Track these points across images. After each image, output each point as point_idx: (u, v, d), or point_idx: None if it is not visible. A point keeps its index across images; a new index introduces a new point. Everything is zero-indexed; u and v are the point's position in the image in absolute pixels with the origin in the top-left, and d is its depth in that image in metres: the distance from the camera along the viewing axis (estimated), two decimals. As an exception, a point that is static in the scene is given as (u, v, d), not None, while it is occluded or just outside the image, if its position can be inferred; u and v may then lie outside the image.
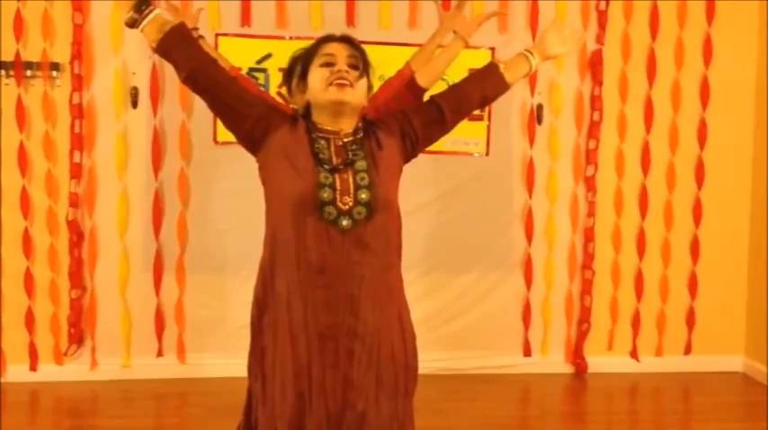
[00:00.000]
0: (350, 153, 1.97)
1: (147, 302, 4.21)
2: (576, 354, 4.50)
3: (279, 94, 2.17)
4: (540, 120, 4.37)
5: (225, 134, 4.08)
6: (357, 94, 1.99)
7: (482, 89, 2.18)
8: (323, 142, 1.97)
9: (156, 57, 4.02)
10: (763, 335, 4.40)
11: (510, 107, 4.36)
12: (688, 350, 4.59)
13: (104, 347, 4.20)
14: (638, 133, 4.46)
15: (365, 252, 1.93)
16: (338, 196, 1.91)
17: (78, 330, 4.16)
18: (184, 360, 4.26)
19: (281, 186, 1.96)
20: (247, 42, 4.13)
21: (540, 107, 4.37)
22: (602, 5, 4.33)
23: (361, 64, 2.02)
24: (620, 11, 4.37)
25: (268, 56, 4.14)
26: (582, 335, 4.49)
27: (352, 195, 1.92)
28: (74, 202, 4.10)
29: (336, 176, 1.93)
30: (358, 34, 4.24)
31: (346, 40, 2.07)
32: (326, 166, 1.93)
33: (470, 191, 4.36)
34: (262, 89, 3.53)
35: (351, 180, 1.93)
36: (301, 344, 1.93)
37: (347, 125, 2.01)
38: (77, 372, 4.17)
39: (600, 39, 4.35)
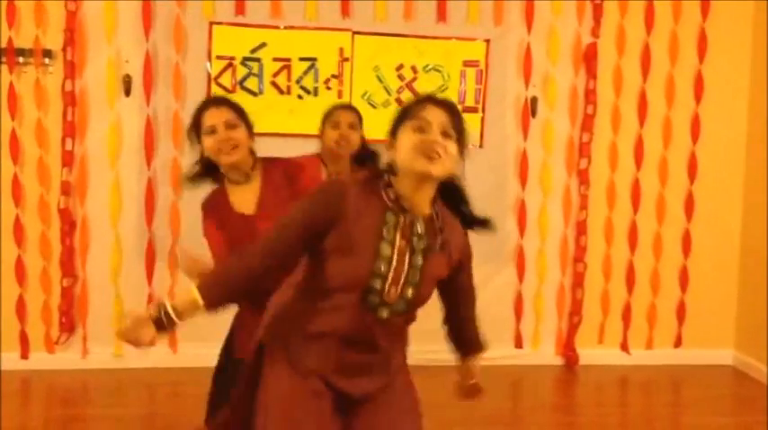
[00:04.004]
0: (415, 238, 1.88)
1: (139, 291, 4.20)
2: (567, 347, 4.52)
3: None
4: (534, 113, 4.38)
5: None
6: (446, 168, 1.88)
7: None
8: (393, 218, 1.87)
9: (150, 45, 4.06)
10: (753, 329, 4.43)
11: (504, 99, 4.36)
12: (678, 343, 4.61)
13: (96, 336, 4.19)
14: (632, 127, 4.47)
15: (388, 332, 1.93)
16: (387, 287, 1.86)
17: (70, 319, 4.16)
18: (176, 349, 4.26)
19: (336, 260, 1.85)
20: (242, 31, 4.11)
21: (534, 100, 4.37)
22: (598, -1, 4.34)
23: (455, 133, 1.89)
24: (615, 5, 4.37)
25: (262, 45, 4.13)
26: (573, 327, 4.50)
27: (399, 288, 1.87)
28: (66, 191, 4.08)
29: (392, 265, 1.86)
30: (352, 25, 4.27)
31: (446, 105, 1.90)
32: (387, 253, 1.85)
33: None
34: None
35: (403, 273, 1.87)
36: (315, 381, 1.92)
37: (427, 196, 1.91)
38: (69, 361, 4.16)
39: (595, 32, 4.35)
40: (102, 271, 4.17)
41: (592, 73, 4.37)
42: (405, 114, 1.89)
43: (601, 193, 4.48)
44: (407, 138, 1.84)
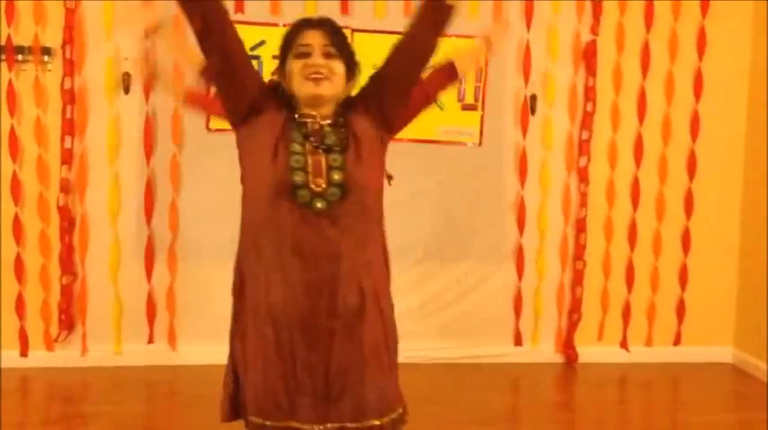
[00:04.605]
0: (324, 137, 1.95)
1: (139, 289, 4.20)
2: (567, 345, 4.52)
3: (271, 80, 2.15)
4: (533, 111, 4.37)
5: (217, 121, 4.10)
6: (334, 86, 1.97)
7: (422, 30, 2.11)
8: (298, 128, 1.96)
9: (149, 42, 4.05)
10: (753, 326, 4.43)
11: (503, 97, 4.36)
12: (678, 341, 4.61)
13: (95, 334, 4.19)
14: (632, 125, 4.46)
15: (342, 231, 1.92)
16: (311, 178, 1.90)
17: (69, 316, 4.16)
18: (175, 347, 4.26)
19: (254, 171, 1.96)
20: (241, 29, 4.05)
21: (533, 97, 4.36)
22: (597, -4, 4.34)
23: (338, 50, 1.98)
24: (615, 2, 4.36)
25: (261, 43, 4.12)
26: (572, 325, 4.50)
27: (324, 177, 1.91)
28: (65, 188, 4.08)
29: (308, 159, 1.92)
30: (352, 22, 4.26)
31: (323, 25, 2.00)
32: (298, 149, 1.92)
33: (463, 180, 4.36)
34: None
35: (323, 162, 1.92)
36: (283, 327, 1.94)
37: (326, 110, 1.99)
38: (68, 359, 4.16)
39: (594, 29, 4.35)
40: (102, 268, 4.17)
41: (591, 71, 4.37)
42: (286, 44, 2.00)
43: (600, 191, 4.48)
44: (293, 65, 1.96)
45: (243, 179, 2.02)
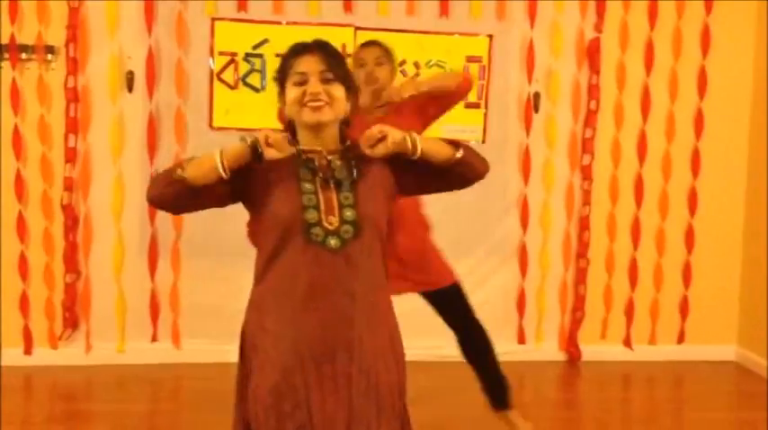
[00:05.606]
0: (334, 171, 1.92)
1: (142, 287, 4.21)
2: (570, 343, 4.52)
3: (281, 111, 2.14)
4: (536, 109, 4.37)
5: (221, 119, 4.11)
6: (335, 110, 1.92)
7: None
8: (305, 164, 1.92)
9: (153, 41, 4.06)
10: (756, 324, 4.42)
11: (507, 95, 4.36)
12: (681, 339, 4.61)
13: (99, 332, 4.20)
14: (635, 122, 4.46)
15: (356, 271, 1.89)
16: (323, 217, 1.87)
17: (73, 314, 4.16)
18: (179, 345, 4.27)
19: (265, 215, 1.91)
20: (244, 27, 4.11)
21: (536, 95, 4.36)
22: (601, -6, 4.33)
23: (335, 75, 1.93)
24: (618, 0, 4.35)
25: (264, 41, 4.13)
26: (576, 323, 4.50)
27: (337, 215, 1.88)
28: (69, 187, 4.09)
29: (320, 196, 1.89)
30: (355, 21, 4.26)
31: (317, 49, 1.94)
32: (309, 188, 1.89)
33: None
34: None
35: (335, 199, 1.89)
36: (297, 374, 1.86)
37: (330, 138, 1.95)
38: (72, 357, 4.17)
39: (598, 27, 4.34)
40: (106, 267, 4.18)
41: (595, 68, 4.36)
42: (283, 72, 1.96)
43: (604, 189, 4.47)
44: (291, 93, 1.92)
45: (257, 230, 1.97)
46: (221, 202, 1.94)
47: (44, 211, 4.10)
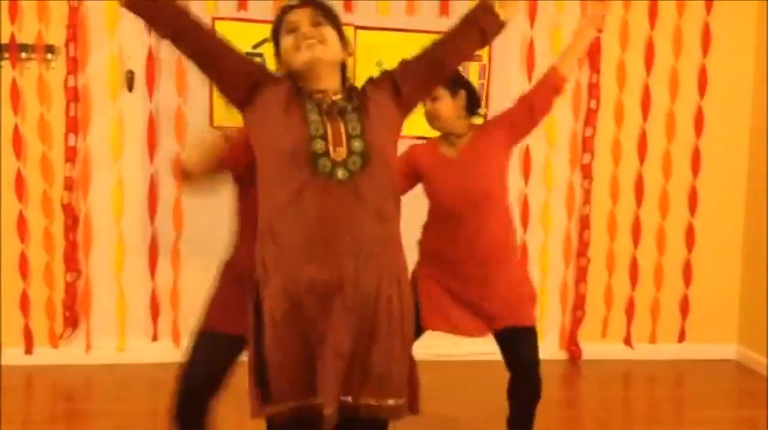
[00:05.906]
0: (338, 105, 1.92)
1: (143, 286, 4.21)
2: (571, 341, 4.52)
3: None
4: (537, 108, 4.36)
5: (221, 118, 4.11)
6: (329, 48, 1.93)
7: (477, 27, 2.07)
8: (311, 101, 1.92)
9: (153, 40, 4.05)
10: (757, 323, 4.42)
11: (507, 94, 4.34)
12: (682, 338, 4.61)
13: (99, 331, 4.20)
14: (635, 121, 4.46)
15: (364, 203, 1.86)
16: (331, 147, 1.85)
17: (73, 314, 4.17)
18: (179, 344, 4.26)
19: (270, 143, 1.89)
20: (244, 27, 4.11)
21: (537, 94, 4.35)
22: (601, -8, 4.33)
23: (325, 19, 1.96)
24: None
25: (264, 41, 4.12)
26: (576, 322, 4.51)
27: (344, 145, 1.86)
28: (69, 186, 4.09)
29: (328, 126, 1.87)
30: (355, 20, 4.25)
31: (308, 3, 1.99)
32: (316, 118, 1.87)
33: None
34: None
35: (342, 130, 1.88)
36: (305, 305, 1.86)
37: (332, 82, 1.96)
38: (72, 356, 4.18)
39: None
40: (106, 266, 4.18)
41: (595, 67, 4.37)
42: (276, 29, 2.00)
43: (604, 188, 4.47)
44: (285, 43, 1.95)
45: (258, 158, 1.95)
46: (234, 79, 1.96)
47: (44, 211, 4.10)
